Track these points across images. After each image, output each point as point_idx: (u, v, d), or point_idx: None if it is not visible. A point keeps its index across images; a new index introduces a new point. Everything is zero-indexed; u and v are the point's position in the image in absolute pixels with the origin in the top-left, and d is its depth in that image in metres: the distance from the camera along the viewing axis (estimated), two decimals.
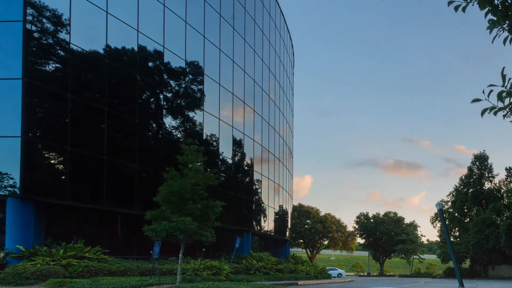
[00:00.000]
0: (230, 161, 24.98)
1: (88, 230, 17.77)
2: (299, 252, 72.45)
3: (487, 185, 46.67)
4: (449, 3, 2.50)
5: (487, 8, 2.42)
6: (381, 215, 61.47)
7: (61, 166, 14.91)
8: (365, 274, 58.66)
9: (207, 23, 22.44)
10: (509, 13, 2.38)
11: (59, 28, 14.69)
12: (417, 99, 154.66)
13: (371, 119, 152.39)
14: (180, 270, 12.26)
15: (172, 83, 20.29)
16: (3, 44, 13.66)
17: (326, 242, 60.35)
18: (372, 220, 60.20)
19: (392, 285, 23.23)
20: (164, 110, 19.60)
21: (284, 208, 35.42)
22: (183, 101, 20.87)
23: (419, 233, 61.19)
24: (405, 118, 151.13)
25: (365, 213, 62.06)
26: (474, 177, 47.10)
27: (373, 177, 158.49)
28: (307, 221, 57.06)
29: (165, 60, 19.42)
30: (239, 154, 26.37)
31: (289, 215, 38.36)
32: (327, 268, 38.50)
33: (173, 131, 20.28)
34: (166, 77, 19.70)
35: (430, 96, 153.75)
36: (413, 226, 60.85)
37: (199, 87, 21.99)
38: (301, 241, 58.71)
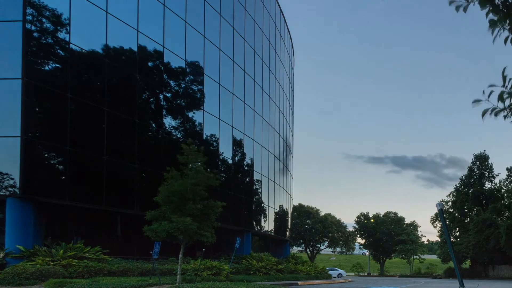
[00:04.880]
0: (230, 161, 24.97)
1: (88, 230, 17.77)
2: (299, 252, 72.42)
3: (488, 185, 46.60)
4: (450, 3, 2.48)
5: (487, 8, 2.40)
6: (381, 215, 61.40)
7: (61, 166, 14.90)
8: (366, 274, 58.57)
9: (207, 23, 22.42)
10: (510, 12, 2.36)
11: (59, 28, 14.69)
12: (417, 98, 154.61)
13: (371, 119, 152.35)
14: (180, 270, 12.24)
15: (172, 83, 20.27)
16: (3, 44, 13.66)
17: (326, 242, 60.30)
18: (372, 220, 60.09)
19: (393, 285, 23.21)
20: (164, 110, 19.59)
21: (284, 208, 35.41)
22: (183, 101, 20.85)
23: (419, 233, 61.16)
24: (406, 118, 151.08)
25: (365, 213, 62.01)
26: (475, 177, 47.00)
27: (373, 177, 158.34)
28: (307, 221, 56.97)
29: (165, 60, 19.41)
30: (239, 154, 26.36)
31: (289, 215, 38.34)
32: (327, 268, 38.47)
33: (173, 131, 20.27)
34: (166, 77, 19.68)
35: (430, 96, 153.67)
36: (413, 226, 60.76)
37: (199, 87, 21.97)
38: (301, 241, 58.66)
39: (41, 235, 14.77)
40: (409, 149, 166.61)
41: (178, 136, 20.43)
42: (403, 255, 58.56)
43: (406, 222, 61.05)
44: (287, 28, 37.64)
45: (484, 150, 49.24)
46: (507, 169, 45.12)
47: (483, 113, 2.89)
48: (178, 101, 20.68)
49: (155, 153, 18.85)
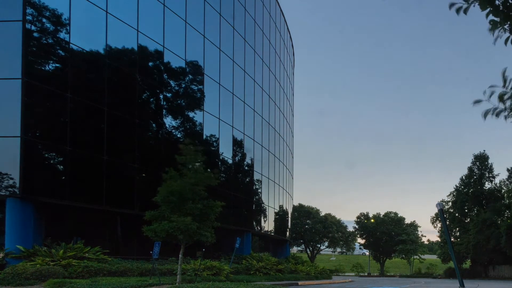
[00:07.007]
0: (230, 161, 24.96)
1: (88, 230, 17.75)
2: (299, 252, 72.40)
3: (488, 185, 46.56)
4: (450, 6, 2.46)
5: (488, 9, 2.38)
6: (381, 215, 61.36)
7: (61, 166, 14.89)
8: (366, 274, 58.53)
9: (207, 23, 22.41)
10: (510, 13, 2.35)
11: (59, 27, 14.68)
12: (417, 98, 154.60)
13: (371, 119, 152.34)
14: (180, 270, 12.23)
15: (172, 83, 20.26)
16: (3, 44, 13.64)
17: (326, 243, 60.27)
18: (372, 220, 60.06)
19: (393, 285, 23.19)
20: (164, 110, 19.58)
21: (284, 208, 35.39)
22: (183, 101, 20.84)
23: (419, 233, 61.12)
24: (406, 118, 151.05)
25: (366, 213, 61.97)
26: (475, 177, 46.95)
27: (372, 176, 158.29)
28: (307, 221, 56.96)
29: (165, 60, 19.40)
30: (239, 154, 26.35)
31: (289, 215, 38.32)
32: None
33: (173, 131, 20.26)
34: (166, 77, 19.68)
35: (431, 96, 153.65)
36: (413, 226, 60.73)
37: (199, 87, 21.96)
38: (301, 241, 58.64)
39: (41, 235, 14.76)
40: (409, 149, 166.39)
41: (178, 136, 20.43)
42: (403, 255, 58.52)
43: (406, 222, 61.05)
44: (287, 28, 37.62)
45: (484, 150, 49.24)
46: (508, 169, 45.07)
47: (485, 114, 2.88)
48: (178, 101, 20.67)
49: (155, 153, 18.84)
